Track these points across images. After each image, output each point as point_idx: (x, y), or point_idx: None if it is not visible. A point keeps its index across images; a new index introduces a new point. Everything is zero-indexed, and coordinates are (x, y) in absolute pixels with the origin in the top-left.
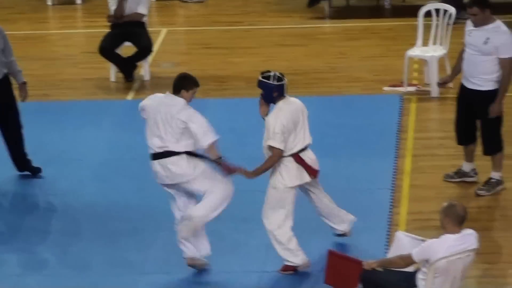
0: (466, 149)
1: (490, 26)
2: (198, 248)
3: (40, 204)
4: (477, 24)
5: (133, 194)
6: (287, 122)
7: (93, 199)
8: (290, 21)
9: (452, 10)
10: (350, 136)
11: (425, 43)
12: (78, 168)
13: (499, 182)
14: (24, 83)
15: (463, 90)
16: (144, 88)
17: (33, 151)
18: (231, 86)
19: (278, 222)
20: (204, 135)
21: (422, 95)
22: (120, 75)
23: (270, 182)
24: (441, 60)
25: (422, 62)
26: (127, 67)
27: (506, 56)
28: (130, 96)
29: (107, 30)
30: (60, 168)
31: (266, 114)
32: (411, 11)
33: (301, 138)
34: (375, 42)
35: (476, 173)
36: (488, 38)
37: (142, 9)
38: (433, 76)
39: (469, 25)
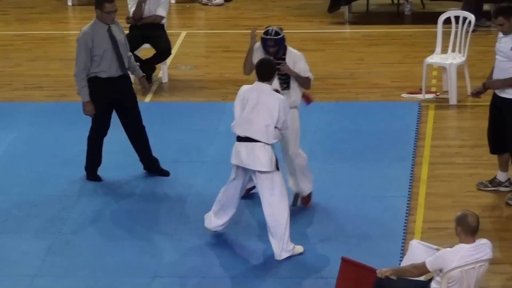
0: (500, 158)
1: None
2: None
3: (50, 204)
4: (505, 33)
5: (147, 196)
6: None
7: (106, 202)
8: (310, 26)
9: (471, 17)
10: (367, 143)
11: (444, 50)
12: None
13: (501, 183)
14: (143, 76)
15: (494, 97)
16: (162, 91)
17: (51, 151)
18: None
19: None
20: None
21: (441, 103)
22: None
23: None
24: (459, 68)
25: (441, 69)
26: (145, 69)
27: None
28: (148, 99)
29: (126, 31)
30: (77, 169)
31: None
32: (431, 18)
33: None
34: (394, 49)
35: (511, 183)
36: None
37: (161, 11)
38: (451, 84)
39: (500, 32)
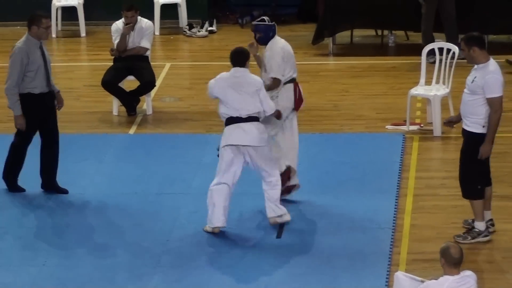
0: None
1: (480, 65)
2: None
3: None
4: (468, 61)
5: (131, 229)
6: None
7: (90, 233)
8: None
9: (455, 49)
10: (351, 174)
11: (428, 82)
12: (78, 201)
13: (480, 233)
14: (59, 91)
15: (462, 130)
16: (146, 122)
17: (34, 183)
18: None
19: None
20: None
21: (425, 134)
22: (123, 109)
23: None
24: (444, 99)
25: (425, 101)
26: (129, 101)
27: (491, 95)
28: (132, 130)
29: (111, 63)
30: (60, 200)
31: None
32: (415, 50)
33: None
34: (379, 80)
35: (492, 225)
36: (475, 77)
37: (145, 43)
38: (436, 115)
39: None
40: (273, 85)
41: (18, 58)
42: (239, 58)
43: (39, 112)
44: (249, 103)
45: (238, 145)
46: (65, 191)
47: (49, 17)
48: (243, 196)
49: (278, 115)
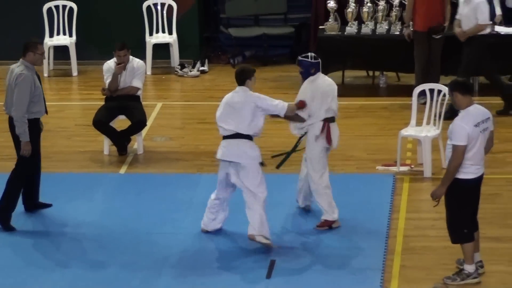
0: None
1: (462, 111)
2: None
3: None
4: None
5: (123, 268)
6: None
7: (81, 274)
8: (286, 98)
9: (445, 90)
10: (342, 214)
11: (419, 123)
12: (69, 241)
13: (469, 275)
14: None
15: None
16: (137, 162)
17: (24, 222)
18: None
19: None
20: None
21: (415, 175)
22: (114, 148)
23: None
24: (434, 141)
25: (416, 141)
26: (120, 140)
27: (453, 142)
28: (123, 170)
29: (102, 102)
30: (51, 240)
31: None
32: (406, 91)
33: None
34: (370, 121)
35: (482, 266)
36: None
37: (137, 83)
38: (426, 156)
39: None
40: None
41: (27, 86)
42: (237, 77)
43: (39, 136)
44: (237, 121)
45: (223, 160)
46: (48, 205)
47: (42, 43)
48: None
49: (300, 105)
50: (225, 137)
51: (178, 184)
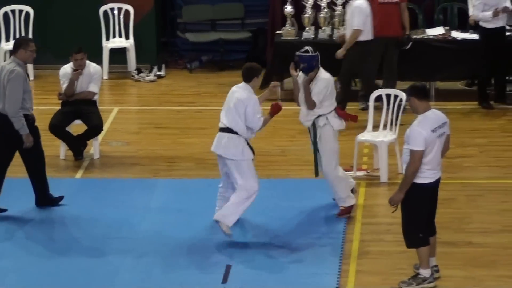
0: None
1: (419, 116)
2: None
3: None
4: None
5: (79, 272)
6: None
7: (35, 278)
8: None
9: (402, 95)
10: (297, 220)
11: (375, 128)
12: (22, 246)
13: (425, 279)
14: None
15: None
16: (93, 167)
17: None
18: (180, 166)
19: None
20: None
21: (371, 180)
22: (70, 153)
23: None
24: (391, 145)
25: (372, 146)
26: (76, 145)
27: (411, 147)
28: (79, 175)
29: (58, 107)
30: (3, 245)
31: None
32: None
33: None
34: None
35: (437, 271)
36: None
37: (93, 88)
38: (382, 161)
39: None
40: (310, 105)
41: (19, 82)
42: (245, 73)
43: (32, 131)
44: (230, 116)
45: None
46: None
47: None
48: None
49: (275, 110)
50: (219, 130)
51: (134, 189)
